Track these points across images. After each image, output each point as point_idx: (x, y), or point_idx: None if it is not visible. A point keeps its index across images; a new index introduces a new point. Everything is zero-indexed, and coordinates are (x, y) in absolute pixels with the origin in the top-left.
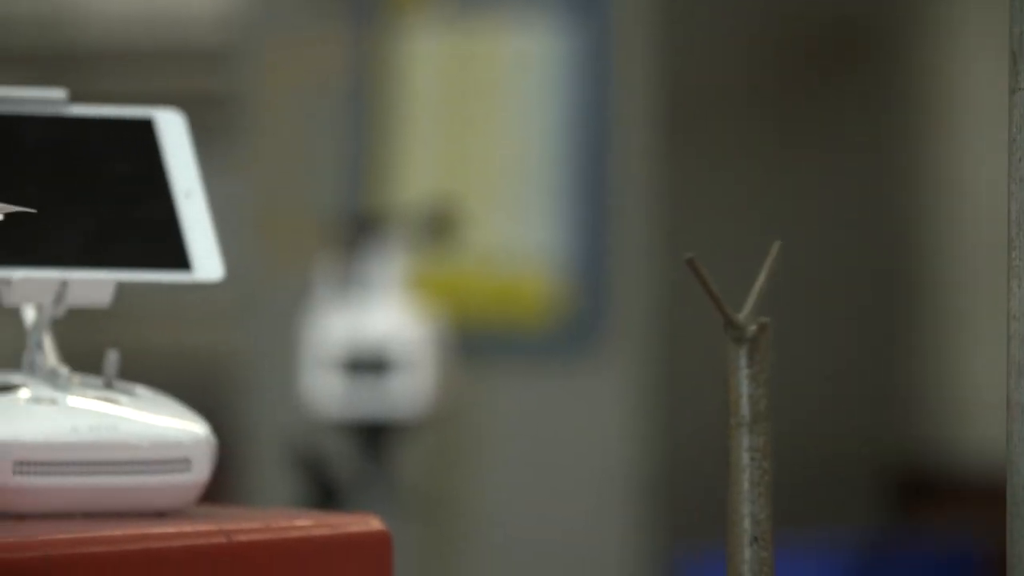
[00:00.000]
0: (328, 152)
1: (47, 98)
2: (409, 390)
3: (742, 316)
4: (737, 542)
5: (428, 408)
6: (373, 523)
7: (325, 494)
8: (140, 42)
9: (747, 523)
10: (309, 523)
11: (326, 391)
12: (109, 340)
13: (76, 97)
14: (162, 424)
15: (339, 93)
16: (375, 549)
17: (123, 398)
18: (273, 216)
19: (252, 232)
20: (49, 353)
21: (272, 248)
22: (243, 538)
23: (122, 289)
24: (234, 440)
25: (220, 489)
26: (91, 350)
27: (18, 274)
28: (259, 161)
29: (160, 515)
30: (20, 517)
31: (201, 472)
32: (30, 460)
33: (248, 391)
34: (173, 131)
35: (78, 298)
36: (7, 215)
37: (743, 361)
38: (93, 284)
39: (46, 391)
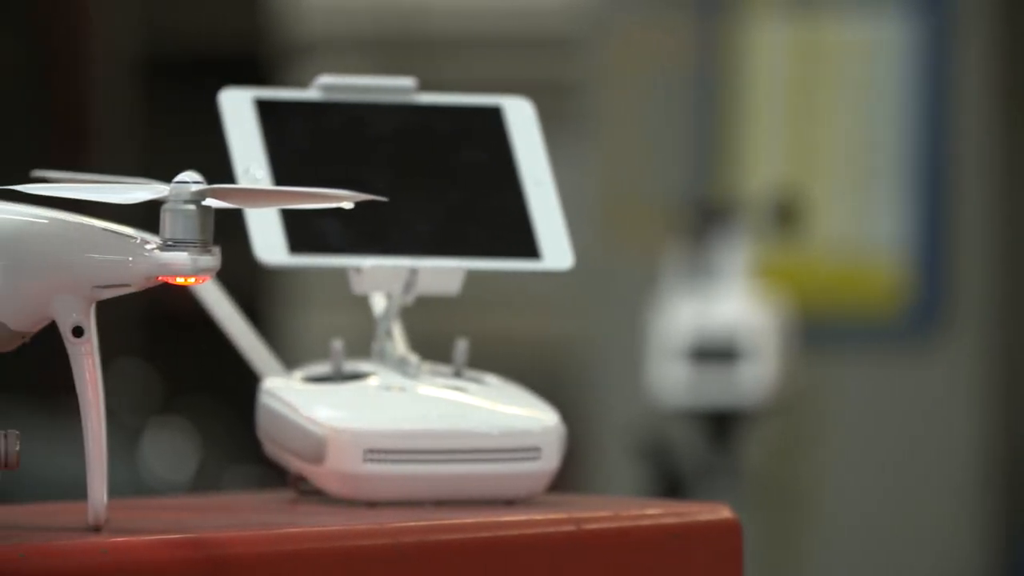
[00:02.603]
0: (674, 140)
1: (397, 87)
2: (755, 378)
3: None
4: None
5: (773, 396)
6: (723, 512)
7: (671, 483)
8: (487, 30)
9: None
10: (658, 511)
11: (672, 380)
12: (457, 328)
13: (424, 86)
14: (512, 412)
15: (685, 81)
16: (725, 538)
17: (472, 387)
18: (619, 204)
19: (598, 221)
20: (399, 341)
21: (618, 237)
22: (592, 526)
23: (469, 277)
24: (580, 429)
25: (567, 477)
26: (439, 338)
27: (368, 262)
28: (605, 149)
29: (509, 503)
30: (371, 504)
31: (550, 460)
32: (380, 448)
33: (594, 380)
34: (522, 119)
35: (428, 286)
36: (358, 204)
37: None
38: (443, 272)
39: (396, 379)
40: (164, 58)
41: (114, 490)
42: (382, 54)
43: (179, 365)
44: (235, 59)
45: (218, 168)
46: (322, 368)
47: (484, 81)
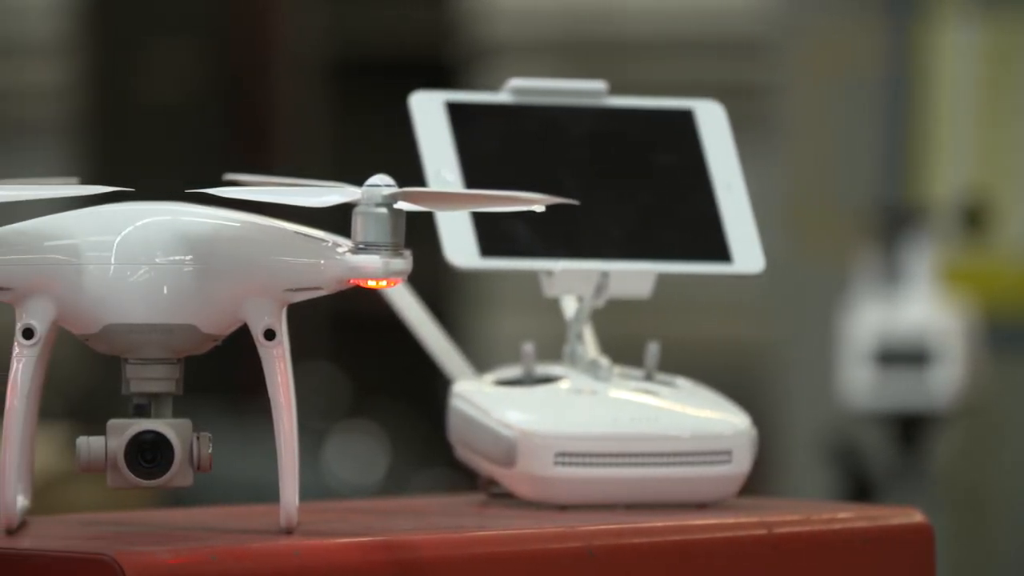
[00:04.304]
0: (863, 143)
1: (588, 90)
2: (942, 382)
3: None
4: None
5: (960, 399)
6: (915, 516)
7: (860, 486)
8: (675, 32)
9: None
10: (849, 515)
11: (860, 383)
12: (646, 331)
13: (612, 89)
14: (703, 416)
15: (875, 84)
16: (917, 542)
17: (664, 390)
18: (809, 208)
19: (787, 224)
20: (590, 344)
21: (807, 240)
22: (784, 530)
23: (658, 279)
24: (770, 432)
25: (757, 481)
26: (628, 341)
27: (560, 265)
28: (795, 152)
29: (700, 507)
30: (561, 508)
31: (742, 464)
32: (571, 451)
33: (783, 383)
34: (713, 122)
35: (619, 289)
36: (549, 207)
37: None
38: (634, 275)
39: (587, 382)
40: (352, 62)
41: (300, 493)
42: (568, 56)
43: (368, 368)
44: (422, 63)
45: (406, 171)
46: (513, 371)
47: (671, 84)
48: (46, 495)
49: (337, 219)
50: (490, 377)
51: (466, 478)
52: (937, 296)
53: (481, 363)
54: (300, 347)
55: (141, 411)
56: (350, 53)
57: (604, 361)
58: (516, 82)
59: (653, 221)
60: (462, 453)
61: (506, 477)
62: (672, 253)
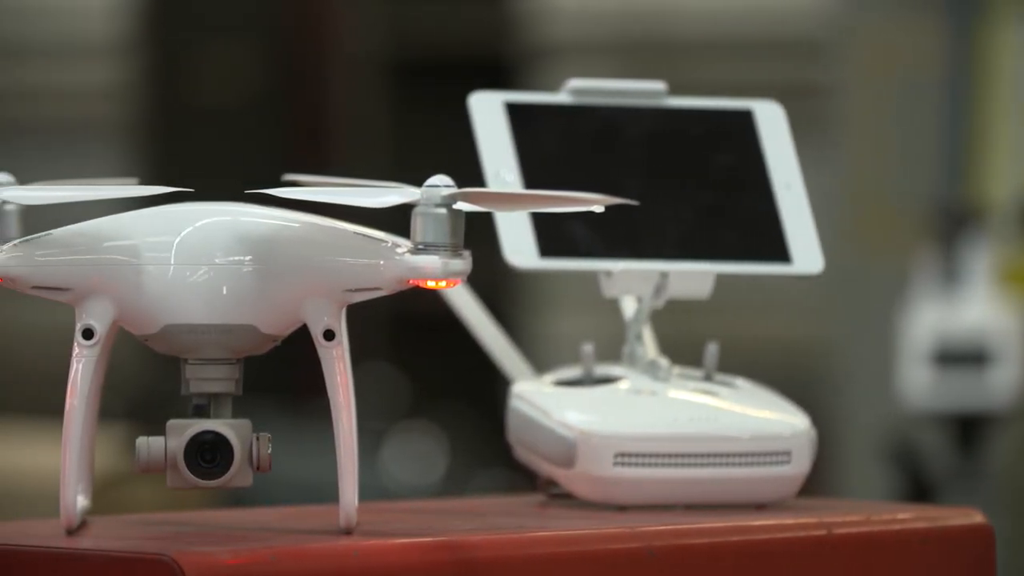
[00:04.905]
0: (922, 144)
1: (648, 90)
2: (1001, 382)
3: None
4: None
5: (1018, 399)
6: (975, 517)
7: (919, 487)
8: (732, 33)
9: None
10: (909, 516)
11: (919, 384)
12: (705, 331)
13: (672, 89)
14: (762, 416)
15: (933, 84)
16: (978, 544)
17: (723, 390)
18: (867, 208)
19: (845, 224)
20: (649, 345)
21: (866, 240)
22: (843, 531)
23: (717, 279)
24: (828, 432)
25: (816, 481)
26: (688, 341)
27: (619, 266)
28: (852, 152)
29: (760, 507)
30: (621, 508)
31: (801, 465)
32: (630, 452)
33: (842, 384)
34: (772, 123)
35: (678, 290)
36: (608, 207)
37: None
38: (693, 276)
39: (646, 383)
40: (410, 62)
41: (359, 494)
42: (625, 57)
43: (427, 369)
44: (480, 63)
45: (465, 171)
46: (572, 372)
47: (729, 84)
48: (106, 495)
49: (396, 220)
50: (549, 377)
51: (525, 479)
52: (996, 296)
53: (540, 364)
54: (359, 347)
55: (201, 411)
56: (408, 53)
57: (663, 361)
58: (575, 82)
59: (712, 221)
60: (521, 454)
61: (565, 478)
62: (731, 253)
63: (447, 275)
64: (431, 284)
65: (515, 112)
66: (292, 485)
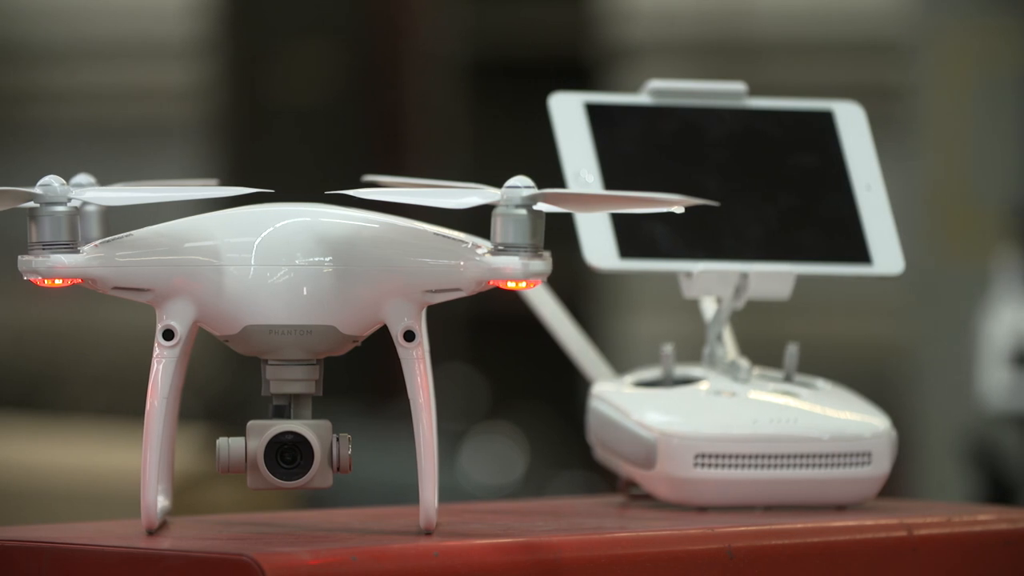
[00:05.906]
0: (1003, 145)
1: (728, 91)
2: None
3: None
4: None
5: None
6: None
7: (999, 488)
8: (812, 34)
9: None
10: (990, 518)
11: (998, 385)
12: (785, 332)
13: (752, 89)
14: (843, 417)
15: (1013, 85)
16: None
17: (803, 391)
18: (947, 209)
19: (925, 225)
20: (729, 346)
21: (945, 241)
22: (924, 532)
23: (797, 280)
24: (908, 433)
25: (896, 482)
26: (768, 342)
27: (699, 267)
28: (932, 153)
29: (840, 508)
30: (701, 509)
31: (882, 466)
32: (710, 453)
33: (922, 385)
34: (853, 124)
35: (758, 291)
36: (689, 208)
37: None
38: (774, 277)
39: (726, 384)
40: (490, 62)
41: (439, 495)
42: (704, 58)
43: (506, 369)
44: (560, 63)
45: (544, 172)
46: (652, 373)
47: (808, 85)
48: (186, 496)
49: (475, 220)
50: (629, 378)
51: (605, 479)
52: None
53: (620, 364)
54: (438, 348)
55: (281, 412)
56: (488, 53)
57: (744, 362)
58: (655, 83)
59: (793, 222)
60: (601, 454)
61: (645, 478)
62: (812, 254)
63: (527, 276)
64: (511, 285)
65: (595, 113)
66: (371, 486)
